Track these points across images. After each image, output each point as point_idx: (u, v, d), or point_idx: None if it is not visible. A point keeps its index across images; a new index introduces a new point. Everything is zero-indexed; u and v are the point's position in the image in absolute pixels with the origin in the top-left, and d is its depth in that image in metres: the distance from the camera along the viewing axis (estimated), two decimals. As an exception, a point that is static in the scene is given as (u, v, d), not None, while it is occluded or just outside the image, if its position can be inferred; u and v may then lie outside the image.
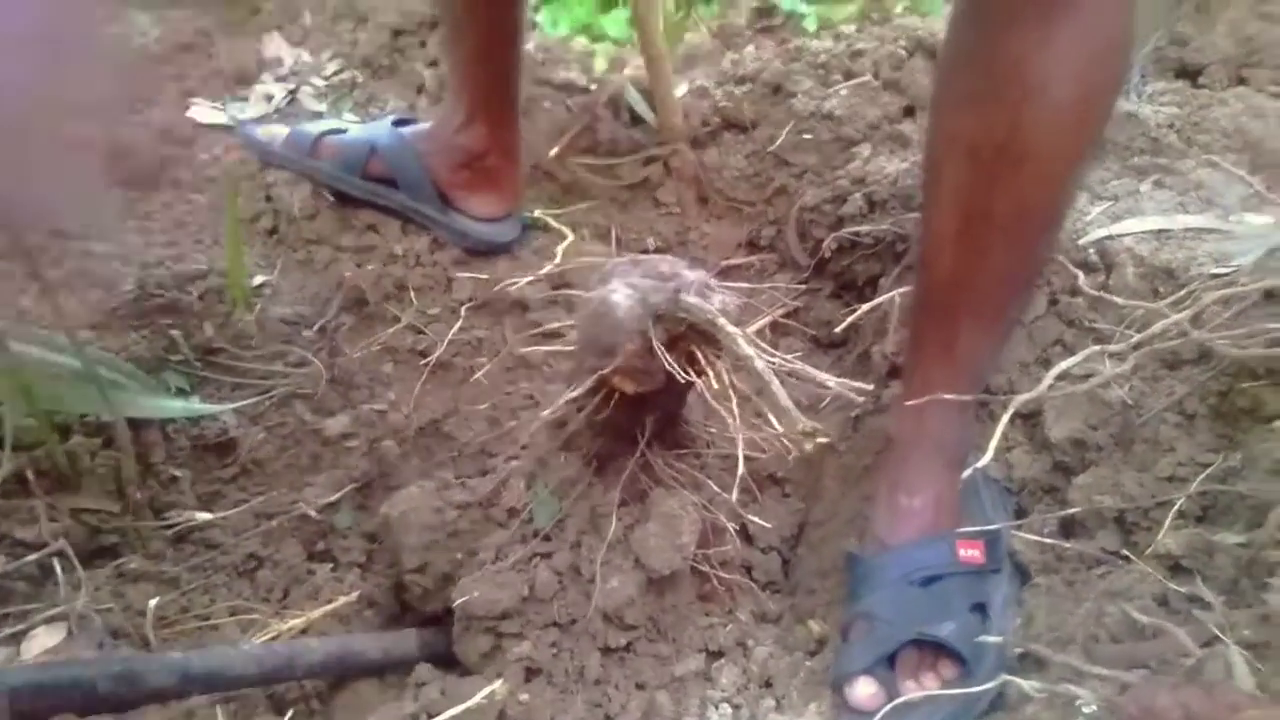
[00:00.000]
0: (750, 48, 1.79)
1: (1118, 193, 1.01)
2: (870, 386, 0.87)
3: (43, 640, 0.72)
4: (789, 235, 1.23)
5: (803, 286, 1.23)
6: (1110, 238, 0.95)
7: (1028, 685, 0.52)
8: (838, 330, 1.08)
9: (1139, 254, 0.92)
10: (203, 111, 1.27)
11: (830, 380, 0.72)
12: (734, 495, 0.73)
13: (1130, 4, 0.66)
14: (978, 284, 0.76)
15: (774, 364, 0.67)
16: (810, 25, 2.14)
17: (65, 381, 0.83)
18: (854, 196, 1.14)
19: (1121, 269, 0.91)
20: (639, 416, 0.78)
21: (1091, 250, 0.95)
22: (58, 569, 0.77)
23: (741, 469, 0.71)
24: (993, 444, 0.70)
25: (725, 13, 2.09)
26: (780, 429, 0.75)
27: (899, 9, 2.22)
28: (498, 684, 0.74)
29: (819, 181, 1.20)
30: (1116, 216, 0.98)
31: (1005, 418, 0.71)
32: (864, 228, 1.13)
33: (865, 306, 1.09)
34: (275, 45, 1.39)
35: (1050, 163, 0.69)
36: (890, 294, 1.10)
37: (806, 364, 1.18)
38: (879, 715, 0.69)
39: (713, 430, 0.88)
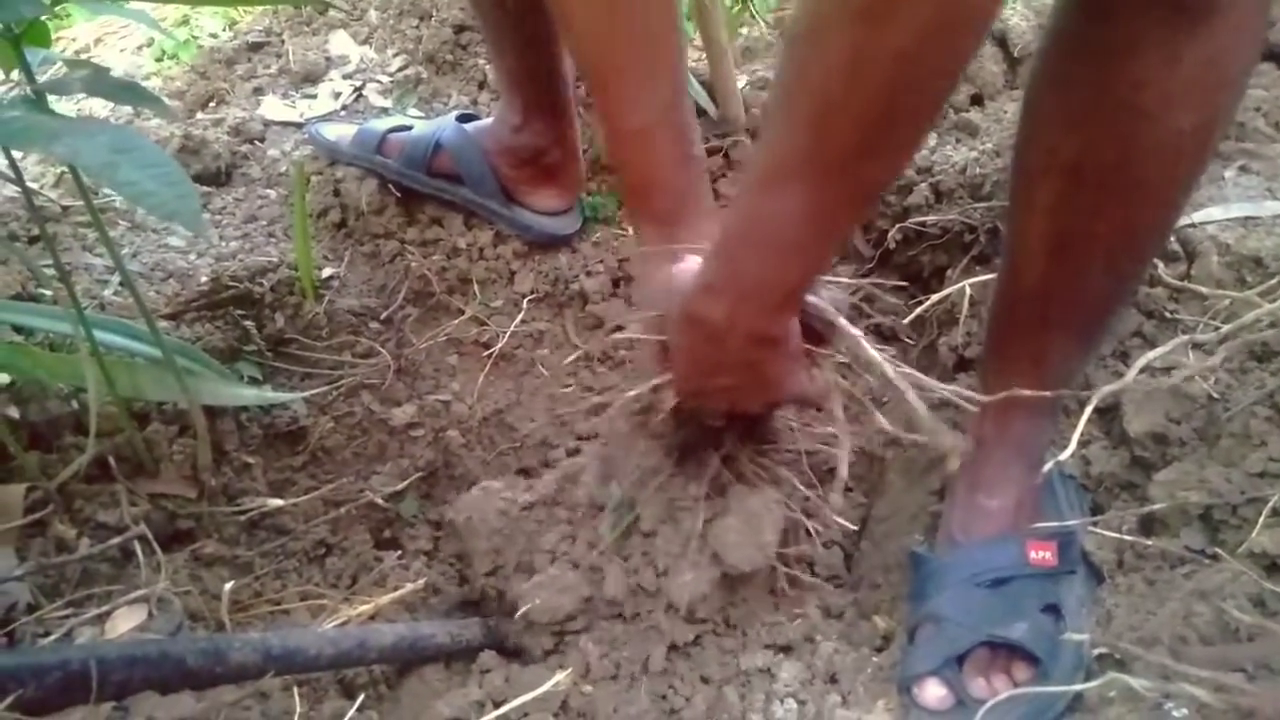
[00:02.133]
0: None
1: (1200, 179, 0.98)
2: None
3: (125, 620, 0.74)
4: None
5: (866, 279, 1.21)
6: (1193, 226, 0.92)
7: (1136, 683, 0.50)
8: (905, 322, 1.06)
9: (1224, 242, 0.88)
10: (273, 109, 1.30)
11: (945, 389, 0.70)
12: (834, 496, 0.73)
13: (1265, 19, 0.62)
14: (1072, 301, 0.72)
15: (900, 370, 0.66)
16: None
17: (144, 370, 0.86)
18: (920, 187, 1.12)
19: (1205, 258, 0.88)
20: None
21: (1173, 239, 0.91)
22: (138, 552, 0.79)
23: (844, 471, 0.72)
24: (1074, 440, 0.68)
25: (783, 4, 2.07)
26: (920, 437, 0.72)
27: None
28: (560, 676, 0.74)
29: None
30: (1199, 204, 0.94)
31: (1087, 412, 0.69)
32: (930, 218, 1.11)
33: (933, 298, 1.07)
34: (342, 43, 1.41)
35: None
36: (958, 285, 1.08)
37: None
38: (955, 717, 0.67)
39: (801, 427, 0.87)
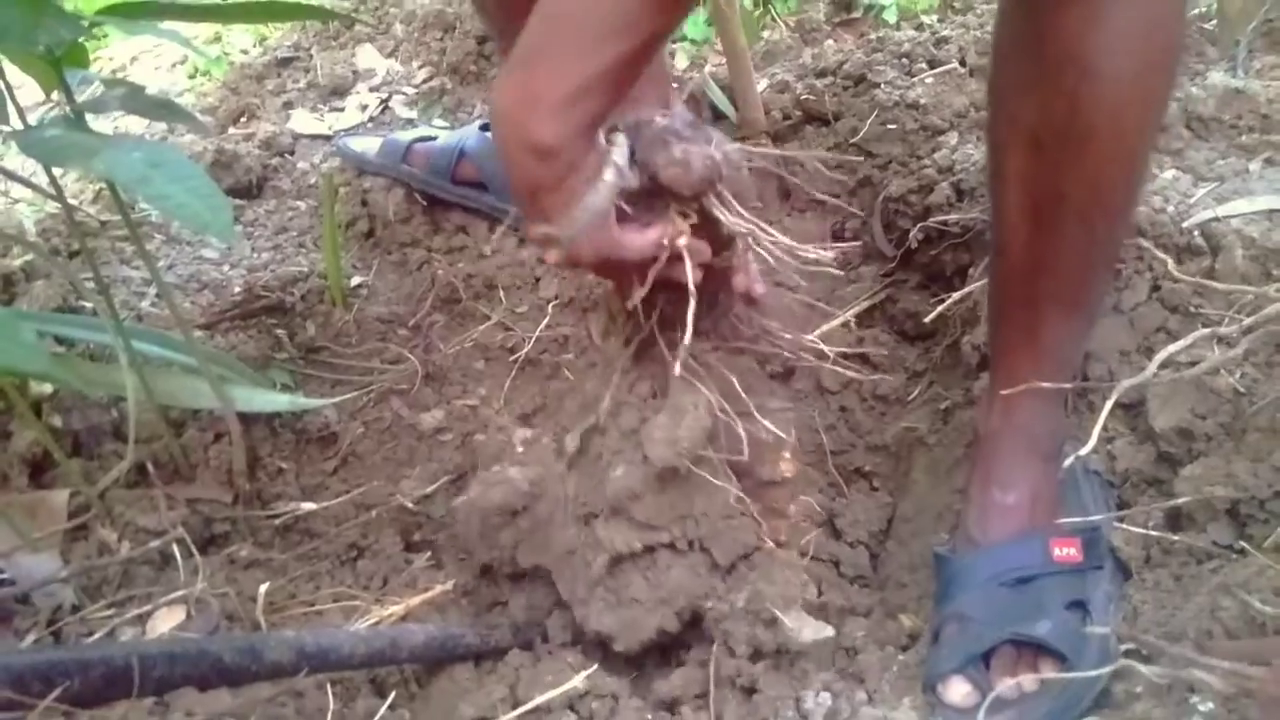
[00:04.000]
0: (829, 42, 1.78)
1: (1224, 173, 0.97)
2: (828, 253, 0.79)
3: (165, 620, 0.76)
4: (874, 226, 1.22)
5: (888, 278, 1.21)
6: (1217, 220, 0.91)
7: (1149, 670, 0.50)
8: (926, 321, 1.06)
9: (1249, 235, 0.88)
10: (302, 122, 1.33)
11: (810, 250, 0.73)
12: (681, 350, 0.70)
13: None
14: (1056, 268, 0.74)
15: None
16: (890, 17, 2.11)
17: (180, 378, 0.89)
18: (941, 185, 1.12)
19: (1229, 252, 0.87)
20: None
21: (1196, 233, 0.91)
22: (177, 555, 0.81)
23: (689, 332, 0.69)
24: (1095, 434, 0.67)
25: (803, 7, 2.07)
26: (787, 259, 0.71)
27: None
28: (580, 679, 0.75)
29: (904, 172, 1.18)
30: (1223, 198, 0.94)
31: (1108, 406, 0.68)
32: (952, 217, 1.10)
33: (954, 296, 1.07)
34: (368, 56, 1.44)
35: (1116, 140, 0.67)
36: (979, 283, 1.07)
37: (894, 355, 1.18)
38: (981, 712, 0.67)
39: (766, 330, 0.86)
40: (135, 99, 0.70)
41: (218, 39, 2.21)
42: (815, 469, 1.07)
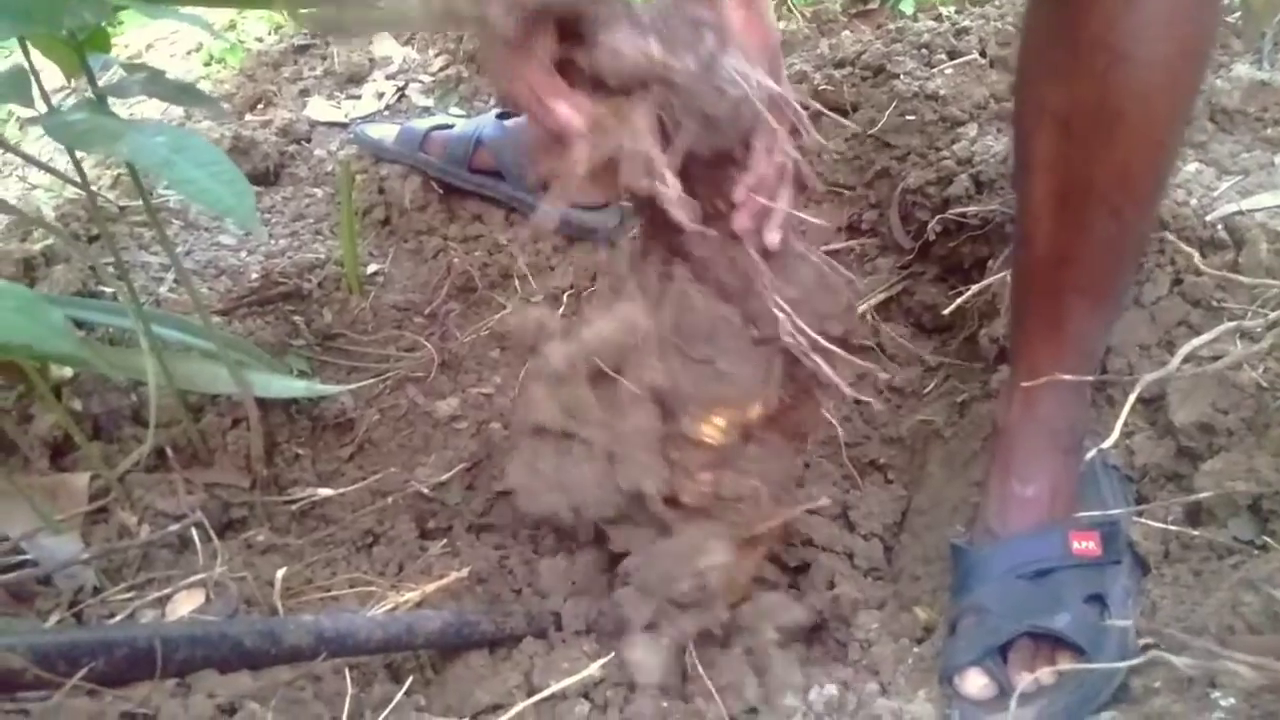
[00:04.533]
0: (846, 32, 1.76)
1: (1248, 166, 0.96)
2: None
3: (185, 604, 0.77)
4: (891, 218, 1.21)
5: (906, 270, 1.21)
6: (1240, 213, 0.90)
7: (1177, 661, 0.50)
8: (945, 313, 1.06)
9: (1273, 229, 0.87)
10: (319, 109, 1.33)
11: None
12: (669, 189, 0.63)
13: None
14: (1082, 257, 0.73)
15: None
16: (907, 8, 2.10)
17: (199, 363, 0.89)
18: (960, 177, 1.11)
19: (1254, 245, 0.86)
20: None
21: (1220, 226, 0.90)
22: (195, 539, 0.82)
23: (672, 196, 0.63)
24: (1117, 429, 0.67)
25: (820, -1, 2.06)
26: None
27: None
28: (595, 667, 0.75)
29: (923, 163, 1.17)
30: (1247, 191, 0.93)
31: (1130, 401, 0.68)
32: (971, 209, 1.10)
33: (973, 289, 1.06)
34: (385, 44, 1.44)
35: (1145, 126, 0.67)
36: (998, 275, 1.07)
37: (911, 348, 1.17)
38: (1011, 707, 0.67)
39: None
40: (157, 83, 0.70)
41: (233, 27, 2.22)
42: (830, 461, 1.06)
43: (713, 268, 0.72)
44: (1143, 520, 0.78)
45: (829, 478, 1.04)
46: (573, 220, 1.19)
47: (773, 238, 0.68)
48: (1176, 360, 0.67)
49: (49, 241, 1.01)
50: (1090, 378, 0.76)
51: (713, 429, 0.74)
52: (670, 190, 0.62)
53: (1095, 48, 0.64)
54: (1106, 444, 0.72)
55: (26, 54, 0.69)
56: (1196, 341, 0.70)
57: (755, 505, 0.78)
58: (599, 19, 0.59)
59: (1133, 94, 0.65)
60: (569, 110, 0.59)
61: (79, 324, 0.90)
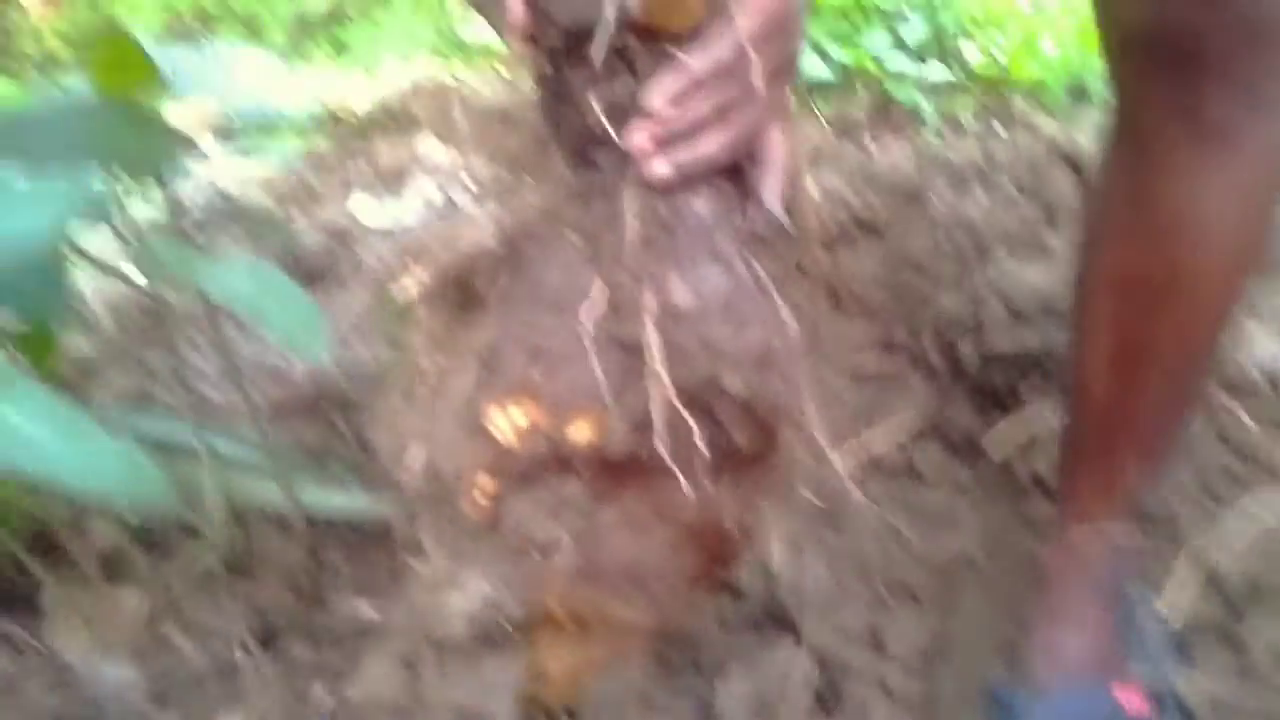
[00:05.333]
0: (873, 145, 1.82)
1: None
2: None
3: (229, 725, 0.76)
4: (925, 339, 1.23)
5: (938, 392, 1.22)
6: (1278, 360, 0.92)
7: None
8: (984, 444, 1.07)
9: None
10: (365, 210, 1.37)
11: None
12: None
13: None
14: (1137, 415, 0.75)
15: None
16: (930, 119, 2.16)
17: (250, 476, 0.90)
18: (994, 305, 1.14)
19: (1293, 395, 0.88)
20: None
21: (1258, 373, 0.92)
22: (242, 655, 0.81)
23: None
24: (1169, 589, 0.68)
25: (843, 106, 2.12)
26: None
27: (1020, 101, 2.22)
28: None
29: (956, 289, 1.20)
30: (1282, 338, 0.95)
31: (1181, 561, 0.69)
32: (1005, 338, 1.12)
33: (1007, 423, 1.08)
34: (429, 145, 1.48)
35: (1211, 299, 0.69)
36: (1034, 405, 1.09)
37: (943, 470, 1.18)
38: None
39: None
40: (239, 216, 0.73)
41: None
42: (860, 581, 1.06)
43: (596, 206, 0.54)
44: (1191, 676, 0.78)
45: (860, 599, 1.03)
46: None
47: (661, 169, 0.51)
48: (1230, 522, 0.68)
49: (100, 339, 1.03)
50: (1140, 535, 0.77)
51: (505, 421, 0.54)
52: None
53: (1173, 221, 0.66)
54: (1157, 601, 0.73)
55: (112, 188, 0.71)
56: (1245, 503, 0.71)
57: (553, 569, 0.56)
58: None
59: (1204, 268, 0.67)
60: None
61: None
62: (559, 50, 0.52)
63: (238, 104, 0.70)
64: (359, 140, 1.49)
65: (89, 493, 0.47)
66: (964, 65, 2.26)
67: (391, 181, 1.44)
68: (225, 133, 0.93)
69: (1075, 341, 0.78)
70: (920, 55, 2.28)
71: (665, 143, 0.51)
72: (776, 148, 0.58)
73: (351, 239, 1.35)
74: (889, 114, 2.18)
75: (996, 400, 1.16)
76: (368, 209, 1.36)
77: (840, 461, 0.90)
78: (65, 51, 2.98)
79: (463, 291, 0.58)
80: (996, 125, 2.16)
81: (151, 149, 0.66)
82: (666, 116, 0.51)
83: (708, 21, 0.50)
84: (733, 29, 0.50)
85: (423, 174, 1.45)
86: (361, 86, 2.31)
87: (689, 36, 0.50)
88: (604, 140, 0.52)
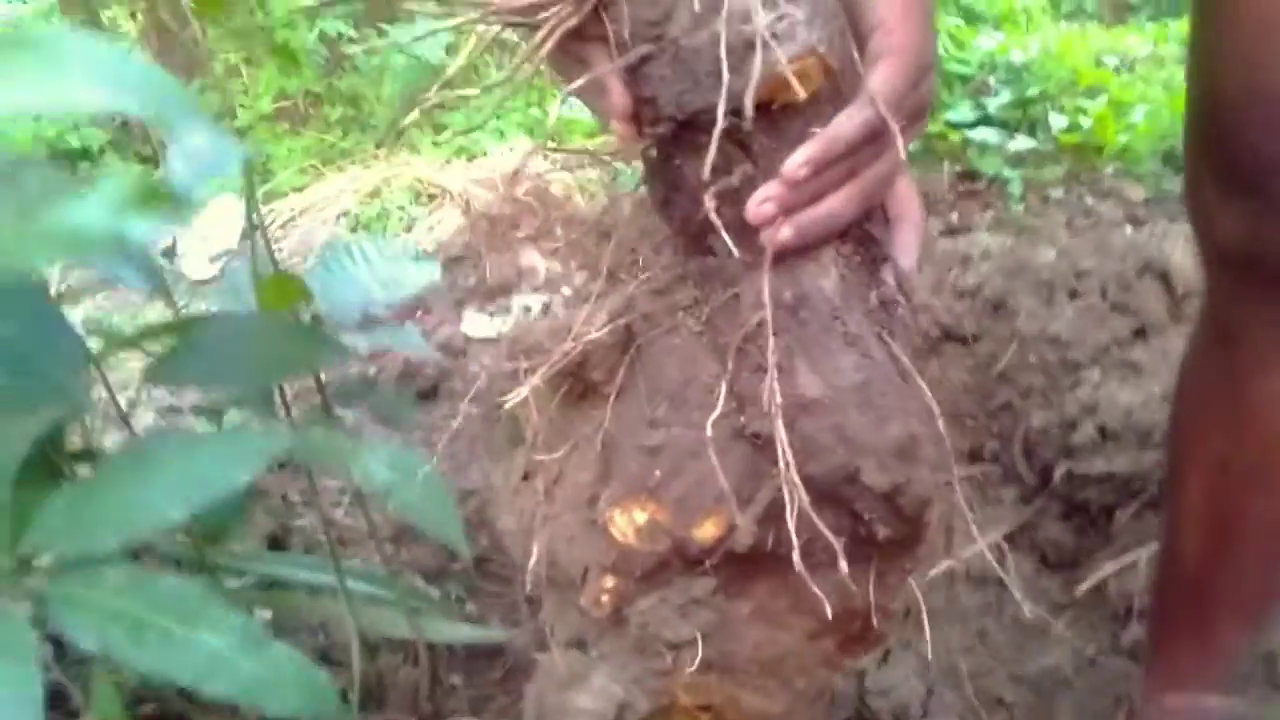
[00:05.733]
0: (955, 217, 1.84)
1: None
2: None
3: None
4: (1015, 452, 1.25)
5: (1029, 505, 1.24)
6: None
7: None
8: (1081, 590, 1.08)
9: None
10: (474, 324, 1.47)
11: None
12: None
13: None
14: (1232, 585, 0.76)
15: None
16: (1015, 189, 2.16)
17: (379, 610, 0.99)
18: (1085, 425, 1.15)
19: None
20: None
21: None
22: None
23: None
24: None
25: (924, 179, 2.14)
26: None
27: (1109, 169, 2.20)
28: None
29: (1046, 404, 1.22)
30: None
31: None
32: (1097, 459, 1.13)
33: (1104, 544, 1.09)
34: (530, 257, 1.57)
35: None
36: (1129, 528, 1.10)
37: (1035, 584, 1.19)
38: None
39: None
40: (378, 404, 0.82)
41: (377, 193, 2.45)
42: (952, 691, 1.09)
43: (714, 294, 0.52)
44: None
45: (952, 709, 1.06)
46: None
47: (784, 233, 0.47)
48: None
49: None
50: (1241, 704, 0.78)
51: (626, 521, 0.53)
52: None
53: (1256, 418, 0.68)
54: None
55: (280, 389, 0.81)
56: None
57: (683, 665, 0.55)
58: None
59: None
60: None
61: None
62: (667, 138, 0.48)
63: (381, 300, 0.79)
64: (466, 255, 1.60)
65: (274, 710, 0.55)
66: (1050, 134, 2.26)
67: (499, 295, 1.54)
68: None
69: (1166, 504, 0.80)
70: (1006, 125, 2.28)
71: (791, 208, 0.47)
72: (910, 202, 0.54)
73: (463, 354, 1.45)
74: (974, 187, 2.19)
75: (1090, 519, 1.17)
76: (477, 324, 1.46)
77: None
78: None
79: (578, 383, 0.56)
80: (1085, 196, 2.15)
81: (309, 355, 0.75)
82: (794, 180, 0.46)
83: (827, 86, 0.47)
84: (877, 76, 0.46)
85: (528, 288, 1.54)
86: (462, 176, 2.45)
87: (807, 105, 0.47)
88: (721, 228, 0.48)
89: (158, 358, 0.67)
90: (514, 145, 2.65)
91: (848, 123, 0.46)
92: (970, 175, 2.24)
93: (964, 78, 2.43)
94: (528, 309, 1.49)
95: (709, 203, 0.47)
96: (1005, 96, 2.35)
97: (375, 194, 2.61)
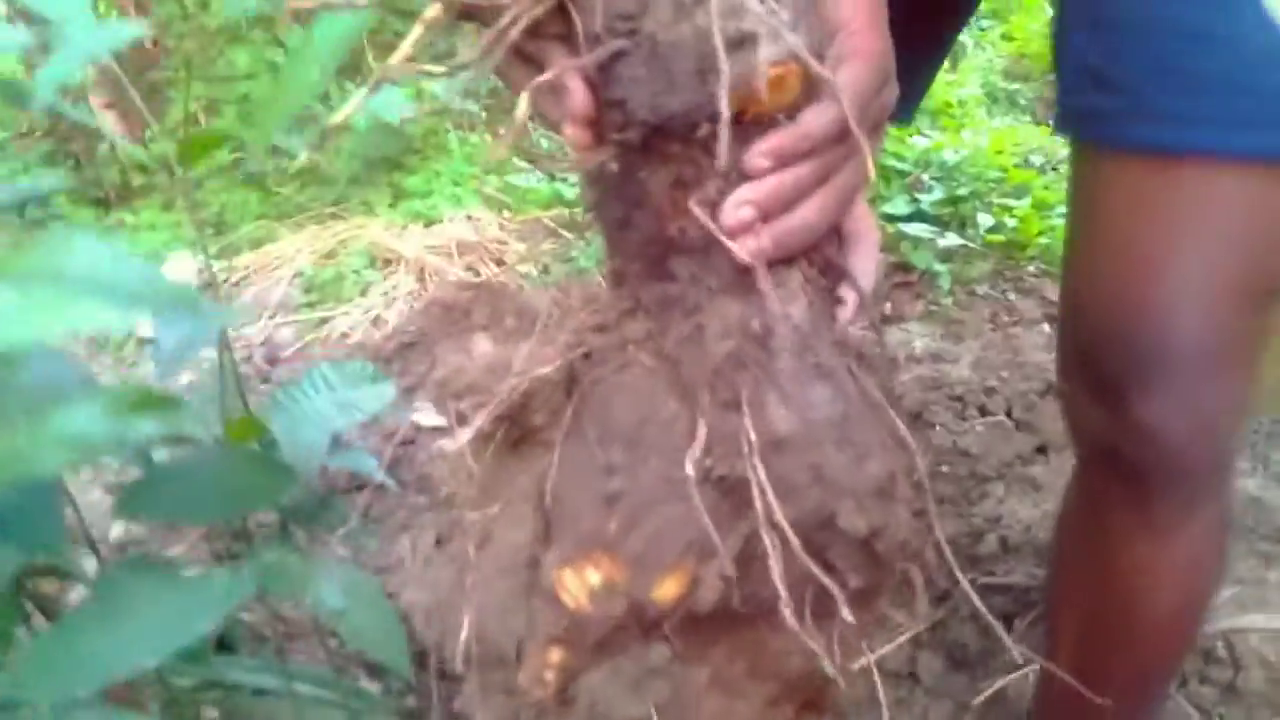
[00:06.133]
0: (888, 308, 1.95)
1: (1244, 576, 1.09)
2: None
3: None
4: (925, 558, 1.34)
5: (940, 604, 1.33)
6: (1236, 631, 1.03)
7: None
8: (980, 699, 1.16)
9: (1265, 657, 0.99)
10: (424, 414, 1.52)
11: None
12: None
13: (1228, 526, 0.76)
14: (1099, 713, 0.85)
15: None
16: (944, 284, 2.29)
17: (320, 708, 1.03)
18: (989, 536, 1.26)
19: (1249, 670, 0.99)
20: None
21: (1219, 643, 1.02)
22: None
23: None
24: None
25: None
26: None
27: (1031, 268, 2.35)
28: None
29: (954, 514, 1.32)
30: (1243, 604, 1.06)
31: None
32: (999, 569, 1.23)
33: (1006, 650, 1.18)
34: (482, 345, 1.64)
35: (1163, 642, 0.79)
36: (1029, 635, 1.19)
37: (945, 682, 1.28)
38: None
39: None
40: (334, 521, 0.88)
41: (332, 255, 2.48)
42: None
43: (673, 325, 0.47)
44: None
45: None
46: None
47: (761, 242, 0.44)
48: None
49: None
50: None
51: (578, 584, 0.47)
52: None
53: (1119, 580, 0.76)
54: None
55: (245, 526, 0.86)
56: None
57: None
58: None
59: (1153, 623, 0.76)
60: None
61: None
62: (633, 146, 0.44)
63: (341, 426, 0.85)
64: (419, 341, 1.66)
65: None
66: (979, 231, 2.41)
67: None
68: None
69: (1046, 641, 0.89)
70: (938, 221, 2.42)
71: (768, 214, 0.44)
72: (866, 219, 0.52)
73: (413, 442, 1.50)
74: (907, 278, 2.32)
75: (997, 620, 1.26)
76: (427, 413, 1.52)
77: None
78: (143, 180, 3.23)
79: (513, 429, 0.50)
80: (1009, 292, 2.29)
81: (273, 488, 0.81)
82: (770, 183, 0.43)
83: (803, 98, 0.44)
84: (843, 77, 0.44)
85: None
86: (417, 242, 2.51)
87: (786, 115, 0.44)
88: (686, 248, 0.45)
89: (126, 490, 0.73)
90: (470, 213, 2.72)
91: (814, 118, 0.44)
92: (904, 267, 2.37)
93: (901, 173, 2.57)
94: (477, 399, 1.55)
95: (698, 211, 0.43)
96: (938, 193, 2.50)
97: (331, 255, 2.65)
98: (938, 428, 1.39)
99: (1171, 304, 0.62)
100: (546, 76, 0.42)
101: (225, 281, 2.60)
